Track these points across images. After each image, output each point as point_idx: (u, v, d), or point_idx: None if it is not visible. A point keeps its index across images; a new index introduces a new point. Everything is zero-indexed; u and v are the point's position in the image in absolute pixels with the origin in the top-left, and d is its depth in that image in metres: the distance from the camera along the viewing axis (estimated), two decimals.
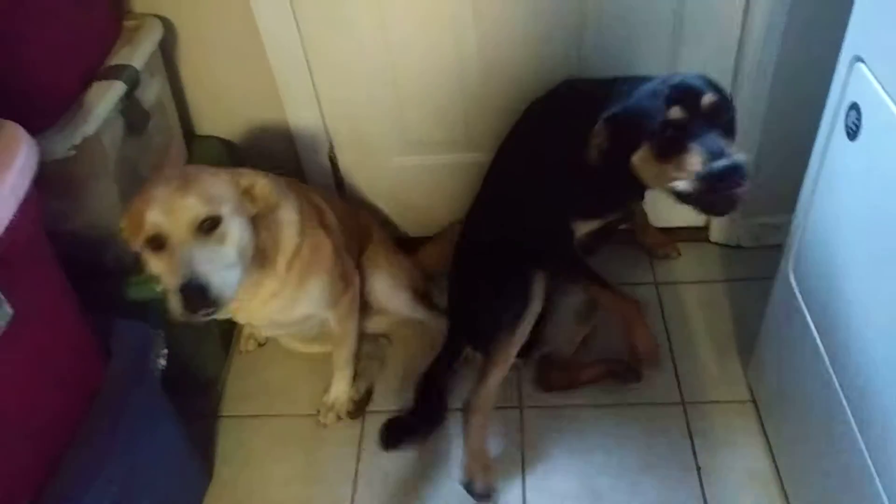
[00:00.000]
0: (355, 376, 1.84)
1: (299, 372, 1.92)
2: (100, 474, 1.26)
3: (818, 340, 1.30)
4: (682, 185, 1.33)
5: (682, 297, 1.96)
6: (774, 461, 1.59)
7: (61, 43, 1.47)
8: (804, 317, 1.35)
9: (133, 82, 1.58)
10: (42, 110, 1.40)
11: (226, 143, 2.00)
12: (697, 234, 2.09)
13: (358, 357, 1.84)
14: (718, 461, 1.62)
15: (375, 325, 1.92)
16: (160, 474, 1.50)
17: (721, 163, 1.28)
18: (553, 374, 1.79)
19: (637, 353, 1.69)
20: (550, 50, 1.75)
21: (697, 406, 1.72)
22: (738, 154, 1.30)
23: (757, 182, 1.89)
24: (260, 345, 2.00)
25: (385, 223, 2.11)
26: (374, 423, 1.77)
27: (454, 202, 2.06)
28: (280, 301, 1.52)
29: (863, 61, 1.10)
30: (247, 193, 1.35)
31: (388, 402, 1.83)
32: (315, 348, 1.92)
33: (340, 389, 1.80)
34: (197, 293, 1.20)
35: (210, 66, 1.86)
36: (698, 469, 1.61)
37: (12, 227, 1.09)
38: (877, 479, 1.11)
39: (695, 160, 1.31)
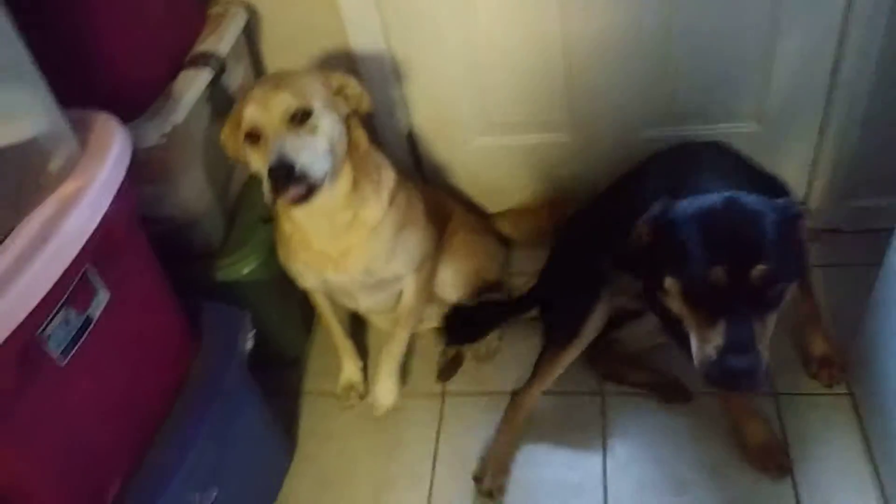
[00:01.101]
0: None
1: (379, 351, 1.94)
2: (191, 451, 1.31)
3: None
4: (693, 347, 1.20)
5: None
6: (872, 456, 1.51)
7: (150, 33, 1.51)
8: None
9: (219, 69, 1.61)
10: (133, 100, 1.44)
11: None
12: None
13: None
14: (811, 455, 1.55)
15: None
16: (246, 449, 1.55)
17: (737, 362, 1.13)
18: (611, 362, 1.76)
19: (753, 452, 1.56)
20: (635, 33, 1.69)
21: (790, 398, 1.64)
22: (762, 355, 1.15)
23: (858, 162, 1.80)
24: (361, 398, 1.88)
25: (465, 202, 2.08)
26: (453, 405, 1.80)
27: (534, 182, 2.04)
28: (379, 243, 1.55)
29: None
30: (339, 93, 1.44)
31: (468, 383, 1.84)
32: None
33: (387, 380, 1.74)
34: (283, 171, 1.29)
35: (293, 51, 1.87)
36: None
37: (109, 214, 1.13)
38: None
39: (712, 343, 1.16)
